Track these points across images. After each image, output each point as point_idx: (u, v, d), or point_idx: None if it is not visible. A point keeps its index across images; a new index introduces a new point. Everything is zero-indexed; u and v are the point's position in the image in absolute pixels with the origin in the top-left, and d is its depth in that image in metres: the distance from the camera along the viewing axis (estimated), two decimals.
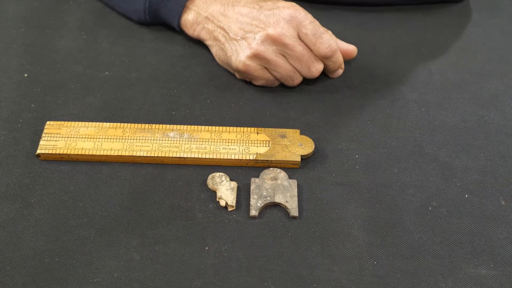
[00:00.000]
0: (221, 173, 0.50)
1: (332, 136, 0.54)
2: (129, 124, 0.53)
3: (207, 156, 0.51)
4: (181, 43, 0.63)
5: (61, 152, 0.51)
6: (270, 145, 0.52)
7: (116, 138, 0.52)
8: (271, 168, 0.51)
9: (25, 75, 0.59)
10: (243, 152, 0.51)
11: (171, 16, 0.61)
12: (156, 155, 0.51)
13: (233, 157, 0.51)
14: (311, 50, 0.55)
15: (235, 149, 0.51)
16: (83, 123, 0.53)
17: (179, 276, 0.44)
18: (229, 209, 0.48)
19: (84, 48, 0.63)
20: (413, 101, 0.58)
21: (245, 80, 0.59)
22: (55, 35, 0.64)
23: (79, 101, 0.57)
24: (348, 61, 0.62)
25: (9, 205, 0.48)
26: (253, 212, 0.48)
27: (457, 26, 0.68)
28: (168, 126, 0.53)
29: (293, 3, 0.55)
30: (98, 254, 0.45)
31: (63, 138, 0.52)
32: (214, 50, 0.59)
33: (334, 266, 0.45)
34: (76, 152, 0.51)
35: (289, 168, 0.51)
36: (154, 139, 0.52)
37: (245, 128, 0.53)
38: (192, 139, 0.52)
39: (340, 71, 0.60)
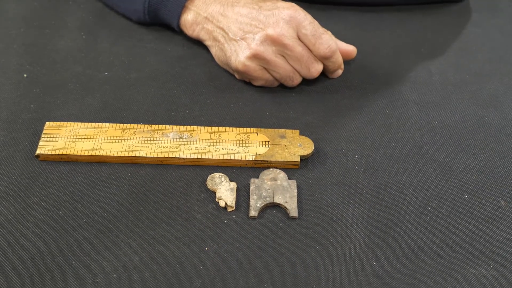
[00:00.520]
0: (220, 174, 0.50)
1: (332, 137, 0.54)
2: (128, 125, 0.53)
3: (207, 157, 0.51)
4: (180, 44, 0.63)
5: (60, 152, 0.51)
6: (269, 146, 0.52)
7: (116, 139, 0.52)
8: (271, 169, 0.51)
9: (25, 75, 0.59)
10: (243, 152, 0.51)
11: (170, 16, 0.61)
12: (155, 155, 0.51)
13: (232, 158, 0.51)
14: (310, 50, 0.55)
15: (235, 149, 0.51)
16: (83, 123, 0.53)
17: (178, 276, 0.44)
18: (229, 210, 0.48)
19: (84, 48, 0.62)
20: (412, 102, 0.58)
21: (244, 81, 0.59)
22: (54, 35, 0.64)
23: (78, 101, 0.57)
24: (347, 62, 0.62)
25: (9, 206, 0.48)
26: (253, 213, 0.48)
27: (457, 26, 0.68)
28: (167, 126, 0.53)
29: (293, 4, 0.55)
30: (98, 255, 0.45)
31: (63, 138, 0.52)
32: (214, 50, 0.59)
33: (334, 267, 0.45)
34: (75, 153, 0.51)
35: (289, 169, 0.51)
36: (153, 140, 0.52)
37: (245, 129, 0.53)
38: (192, 140, 0.52)
39: (340, 72, 0.60)
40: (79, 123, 0.53)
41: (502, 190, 0.51)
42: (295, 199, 0.49)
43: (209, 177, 0.50)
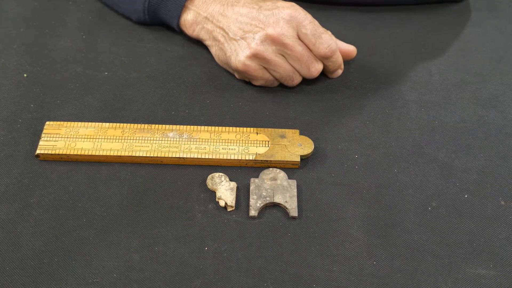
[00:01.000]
0: (220, 173, 0.50)
1: (332, 136, 0.54)
2: (128, 124, 0.53)
3: (207, 156, 0.51)
4: (180, 43, 0.63)
5: (60, 152, 0.51)
6: (269, 145, 0.52)
7: (116, 138, 0.52)
8: (271, 168, 0.51)
9: (25, 75, 0.59)
10: (243, 152, 0.51)
11: (170, 16, 0.61)
12: (155, 155, 0.51)
13: (232, 157, 0.51)
14: (310, 50, 0.55)
15: (235, 149, 0.51)
16: (83, 123, 0.53)
17: (178, 276, 0.44)
18: (229, 209, 0.48)
19: (84, 48, 0.62)
20: (412, 101, 0.58)
21: (244, 80, 0.59)
22: (54, 35, 0.64)
23: (78, 101, 0.57)
24: (347, 61, 0.62)
25: (9, 206, 0.48)
26: (253, 212, 0.48)
27: (457, 26, 0.68)
28: (167, 126, 0.53)
29: (293, 3, 0.55)
30: (98, 255, 0.45)
31: (63, 138, 0.52)
32: (214, 50, 0.59)
33: (334, 266, 0.45)
34: (75, 153, 0.51)
35: (289, 168, 0.51)
36: (153, 139, 0.52)
37: (245, 128, 0.53)
38: (192, 139, 0.52)
39: (340, 72, 0.60)
40: (79, 123, 0.53)
41: (502, 190, 0.51)
42: (295, 199, 0.49)
43: (209, 176, 0.50)
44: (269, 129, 0.53)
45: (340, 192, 0.50)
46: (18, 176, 0.50)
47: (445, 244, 0.47)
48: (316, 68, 0.56)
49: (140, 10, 0.62)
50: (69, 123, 0.53)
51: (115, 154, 0.51)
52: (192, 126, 0.53)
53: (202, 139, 0.52)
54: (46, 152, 0.51)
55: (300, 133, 0.54)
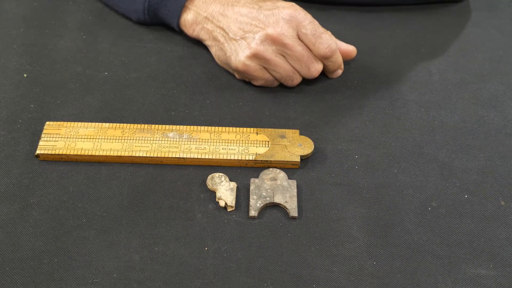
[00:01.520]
0: (220, 174, 0.50)
1: (332, 137, 0.54)
2: (128, 125, 0.53)
3: (207, 157, 0.51)
4: (180, 43, 0.63)
5: (60, 152, 0.51)
6: (269, 146, 0.52)
7: (116, 139, 0.52)
8: (271, 169, 0.51)
9: (25, 75, 0.59)
10: (243, 152, 0.51)
11: (170, 16, 0.61)
12: (155, 155, 0.51)
13: (232, 158, 0.51)
14: (310, 50, 0.55)
15: (235, 149, 0.51)
16: (83, 123, 0.53)
17: (178, 276, 0.44)
18: (229, 210, 0.48)
19: (84, 48, 0.62)
20: (412, 101, 0.58)
21: (244, 80, 0.59)
22: (54, 35, 0.64)
23: (78, 101, 0.57)
24: (348, 61, 0.62)
25: (9, 206, 0.48)
26: (253, 213, 0.48)
27: (457, 26, 0.68)
28: (167, 126, 0.53)
29: (293, 3, 0.55)
30: (98, 255, 0.45)
31: (63, 138, 0.52)
32: (214, 50, 0.59)
33: (334, 267, 0.45)
34: (75, 153, 0.51)
35: (289, 169, 0.51)
36: (153, 140, 0.52)
37: (245, 129, 0.53)
38: (192, 140, 0.52)
39: (340, 72, 0.60)
40: (79, 123, 0.53)
41: (502, 190, 0.51)
42: (295, 199, 0.49)
43: (209, 177, 0.50)
44: (269, 129, 0.53)
45: (340, 192, 0.50)
46: (18, 176, 0.50)
47: (445, 244, 0.47)
48: (316, 68, 0.56)
49: (140, 10, 0.62)
50: (69, 123, 0.53)
51: (115, 154, 0.51)
52: (192, 126, 0.53)
53: (202, 139, 0.52)
54: (46, 152, 0.51)
55: (300, 133, 0.54)
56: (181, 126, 0.53)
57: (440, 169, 0.52)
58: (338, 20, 0.67)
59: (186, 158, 0.51)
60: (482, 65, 0.63)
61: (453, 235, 0.47)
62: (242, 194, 0.50)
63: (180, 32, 0.63)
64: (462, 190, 0.50)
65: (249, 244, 0.46)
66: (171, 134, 0.52)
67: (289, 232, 0.47)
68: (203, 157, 0.51)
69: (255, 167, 0.52)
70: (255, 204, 0.48)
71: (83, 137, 0.52)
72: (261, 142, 0.52)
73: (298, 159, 0.51)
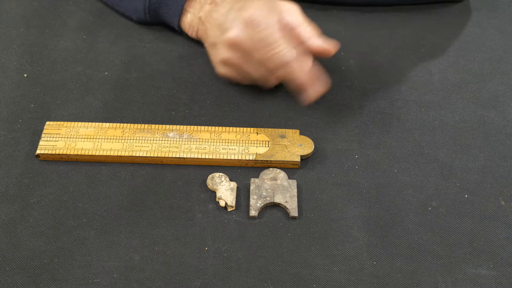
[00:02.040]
0: (220, 173, 0.50)
1: (332, 136, 0.54)
2: (128, 124, 0.53)
3: (207, 157, 0.51)
4: (180, 43, 0.63)
5: (60, 152, 0.51)
6: (269, 145, 0.52)
7: (116, 138, 0.52)
8: (271, 169, 0.51)
9: (25, 75, 0.59)
10: (243, 152, 0.51)
11: (171, 15, 0.61)
12: (155, 155, 0.51)
13: (232, 158, 0.51)
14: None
15: (235, 149, 0.51)
16: (83, 123, 0.53)
17: (178, 276, 0.44)
18: (229, 210, 0.48)
19: (84, 48, 0.62)
20: (412, 101, 0.58)
21: None
22: (54, 35, 0.64)
23: (78, 101, 0.57)
24: (348, 61, 0.62)
25: (9, 206, 0.48)
26: (253, 213, 0.48)
27: (457, 26, 0.68)
28: (167, 126, 0.53)
29: (292, 3, 0.55)
30: (98, 255, 0.45)
31: (63, 138, 0.52)
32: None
33: (334, 266, 0.45)
34: (75, 153, 0.51)
35: (289, 168, 0.51)
36: (153, 139, 0.52)
37: (245, 129, 0.53)
38: (192, 139, 0.52)
39: (313, 93, 0.53)
40: (79, 123, 0.53)
41: (502, 190, 0.51)
42: (295, 199, 0.49)
43: (209, 176, 0.50)
44: (269, 129, 0.53)
45: (340, 192, 0.50)
46: (18, 176, 0.50)
47: (445, 244, 0.47)
48: (272, 80, 0.54)
49: (141, 9, 0.62)
50: (69, 123, 0.53)
51: (115, 154, 0.51)
52: (192, 126, 0.53)
53: (202, 139, 0.52)
54: (46, 152, 0.51)
55: (300, 133, 0.54)
56: (181, 126, 0.53)
57: (440, 169, 0.52)
58: (338, 20, 0.67)
59: (186, 158, 0.51)
60: (482, 65, 0.63)
61: (453, 235, 0.47)
62: (242, 194, 0.50)
63: (181, 32, 0.63)
64: (462, 190, 0.50)
65: (249, 244, 0.46)
66: (171, 134, 0.52)
67: (289, 232, 0.47)
68: (203, 157, 0.51)
69: (255, 167, 0.52)
70: (255, 204, 0.48)
71: (83, 137, 0.52)
72: (261, 142, 0.52)
73: (298, 159, 0.51)
